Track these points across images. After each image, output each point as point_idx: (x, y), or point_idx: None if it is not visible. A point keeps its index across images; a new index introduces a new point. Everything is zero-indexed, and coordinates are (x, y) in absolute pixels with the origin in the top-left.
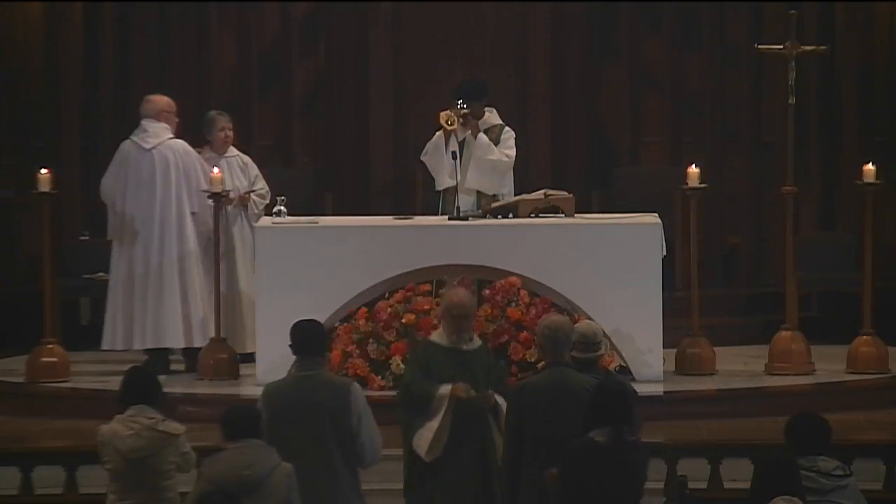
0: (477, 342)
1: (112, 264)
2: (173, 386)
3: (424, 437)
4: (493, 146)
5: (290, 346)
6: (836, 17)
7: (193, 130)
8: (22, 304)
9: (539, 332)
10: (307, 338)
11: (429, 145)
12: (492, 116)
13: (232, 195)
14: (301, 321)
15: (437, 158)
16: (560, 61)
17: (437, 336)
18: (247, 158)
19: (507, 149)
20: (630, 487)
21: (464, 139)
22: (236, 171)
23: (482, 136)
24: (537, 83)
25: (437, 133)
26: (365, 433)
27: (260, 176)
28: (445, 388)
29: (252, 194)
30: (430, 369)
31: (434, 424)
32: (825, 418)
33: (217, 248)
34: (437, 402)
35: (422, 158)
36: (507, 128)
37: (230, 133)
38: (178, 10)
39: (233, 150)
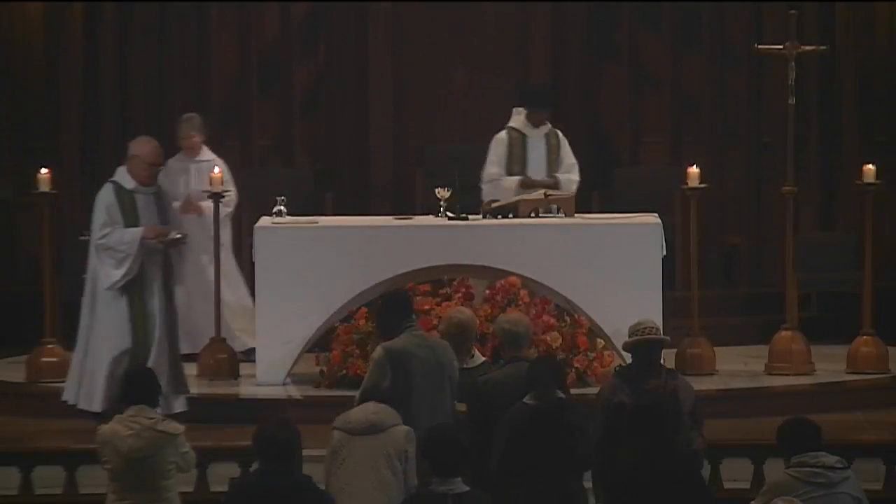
0: (479, 359)
1: None
2: None
3: None
4: (571, 178)
5: (379, 317)
6: (836, 17)
7: None
8: (22, 304)
9: (498, 328)
10: (402, 304)
11: (493, 172)
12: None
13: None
14: (387, 293)
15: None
16: (560, 61)
17: None
18: (220, 162)
19: (570, 157)
20: (568, 444)
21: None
22: (205, 175)
23: (562, 183)
24: (537, 83)
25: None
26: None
27: (231, 181)
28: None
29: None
30: None
31: None
32: (815, 422)
33: (217, 246)
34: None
35: (483, 185)
36: (558, 131)
37: (195, 139)
38: (178, 10)
39: (207, 155)
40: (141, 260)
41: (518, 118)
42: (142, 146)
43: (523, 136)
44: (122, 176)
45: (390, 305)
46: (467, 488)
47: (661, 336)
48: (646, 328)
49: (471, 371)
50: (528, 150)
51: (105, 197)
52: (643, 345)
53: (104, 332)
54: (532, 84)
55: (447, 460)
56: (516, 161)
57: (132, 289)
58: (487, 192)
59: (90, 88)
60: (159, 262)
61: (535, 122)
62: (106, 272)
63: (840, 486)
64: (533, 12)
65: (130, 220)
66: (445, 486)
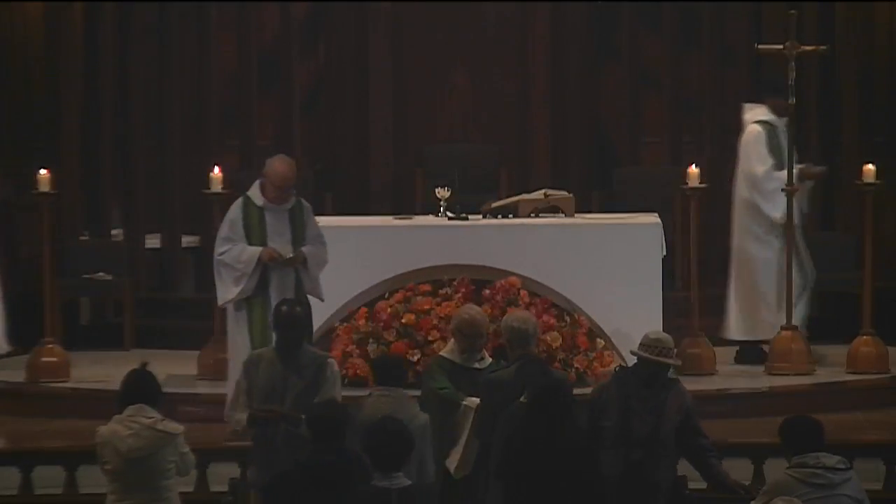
0: (487, 360)
1: None
2: (173, 386)
3: (454, 453)
4: None
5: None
6: (836, 17)
7: (193, 131)
8: (22, 304)
9: (506, 326)
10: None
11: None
12: None
13: None
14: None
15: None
16: (560, 61)
17: (447, 352)
18: None
19: None
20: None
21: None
22: None
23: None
24: (537, 83)
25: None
26: None
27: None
28: (472, 401)
29: None
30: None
31: (462, 440)
32: (818, 420)
33: None
34: (462, 414)
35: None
36: None
37: None
38: (178, 10)
39: None
40: (258, 279)
41: (758, 111)
42: (271, 166)
43: (774, 127)
44: (255, 191)
45: (302, 319)
46: (409, 482)
47: (673, 361)
48: (661, 349)
49: (481, 372)
50: (780, 140)
51: (232, 211)
52: (651, 365)
53: (230, 348)
54: (772, 74)
55: (389, 454)
56: (775, 153)
57: (253, 303)
58: (771, 194)
59: (90, 88)
60: (292, 278)
61: (783, 111)
62: (224, 288)
63: (840, 487)
64: (533, 12)
65: (256, 236)
66: (388, 482)
